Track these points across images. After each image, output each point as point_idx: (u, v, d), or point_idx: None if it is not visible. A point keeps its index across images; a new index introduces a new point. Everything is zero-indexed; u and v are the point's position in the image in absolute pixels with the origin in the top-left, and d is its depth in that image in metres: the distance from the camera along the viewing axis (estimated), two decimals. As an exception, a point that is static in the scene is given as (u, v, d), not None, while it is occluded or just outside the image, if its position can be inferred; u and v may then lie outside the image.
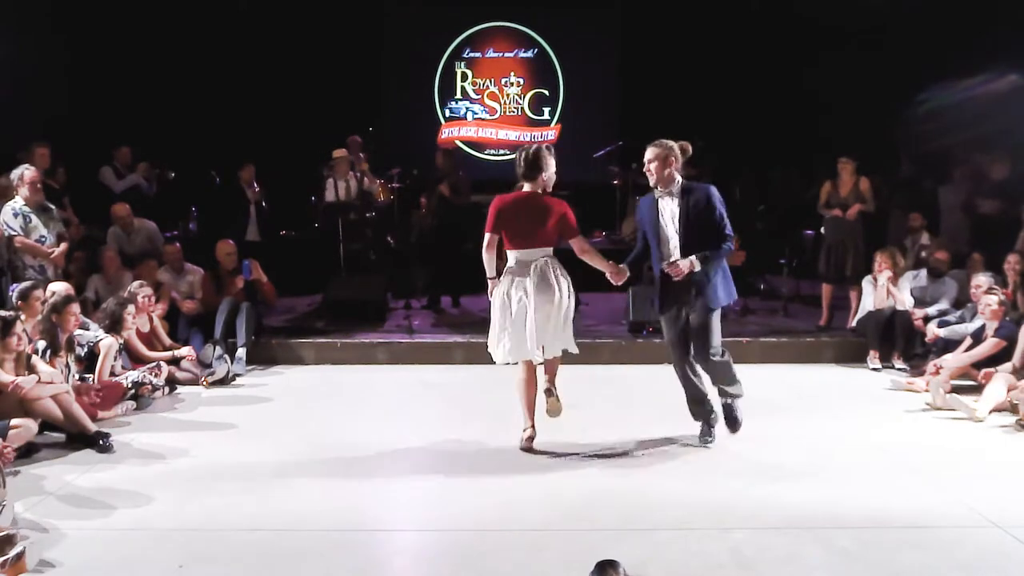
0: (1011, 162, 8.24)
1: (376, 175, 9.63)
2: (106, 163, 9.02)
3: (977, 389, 5.94)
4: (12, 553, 3.30)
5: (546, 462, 4.71)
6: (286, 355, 7.39)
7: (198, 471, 4.61)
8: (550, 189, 4.90)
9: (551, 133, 12.67)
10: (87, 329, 6.00)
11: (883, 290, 7.22)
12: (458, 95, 12.72)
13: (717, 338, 4.84)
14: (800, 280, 9.28)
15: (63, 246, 6.61)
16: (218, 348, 6.84)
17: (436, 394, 6.37)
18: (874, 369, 7.10)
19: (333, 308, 8.28)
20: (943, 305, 7.26)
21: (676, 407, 5.84)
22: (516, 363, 4.88)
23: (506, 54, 12.71)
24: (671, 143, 4.83)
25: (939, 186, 8.99)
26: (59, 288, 5.93)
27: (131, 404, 5.84)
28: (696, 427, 5.15)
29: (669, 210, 4.77)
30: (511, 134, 12.63)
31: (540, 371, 4.94)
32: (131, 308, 6.31)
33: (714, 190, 4.77)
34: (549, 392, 4.93)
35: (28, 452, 4.76)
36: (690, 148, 4.92)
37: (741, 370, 7.12)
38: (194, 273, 7.69)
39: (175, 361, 6.60)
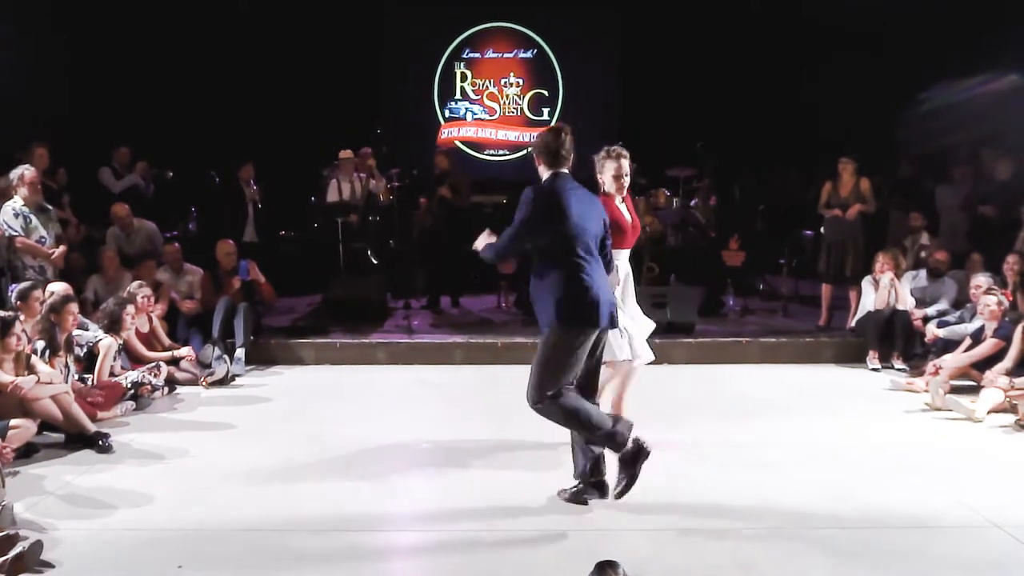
0: (1014, 162, 8.25)
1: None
2: (105, 164, 9.02)
3: (977, 390, 5.94)
4: (12, 553, 3.30)
5: (546, 462, 4.69)
6: (286, 355, 7.39)
7: (198, 471, 4.61)
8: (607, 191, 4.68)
9: (551, 134, 12.66)
10: (86, 329, 6.00)
11: (885, 291, 7.22)
12: (458, 95, 12.74)
13: (544, 375, 3.83)
14: (800, 280, 9.28)
15: (62, 248, 6.61)
16: (217, 348, 6.84)
17: (436, 394, 6.37)
18: (873, 369, 7.10)
19: (333, 308, 8.28)
20: (942, 305, 7.27)
21: (675, 407, 5.86)
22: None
23: (506, 54, 12.72)
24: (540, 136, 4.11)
25: (937, 185, 8.98)
26: (58, 288, 5.93)
27: (130, 404, 5.84)
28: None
29: None
30: (510, 134, 12.65)
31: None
32: (130, 308, 6.31)
33: (529, 189, 3.91)
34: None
35: (27, 452, 4.75)
36: (555, 135, 4.00)
37: (741, 370, 7.13)
38: (193, 273, 7.68)
39: (174, 361, 6.60)
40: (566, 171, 3.98)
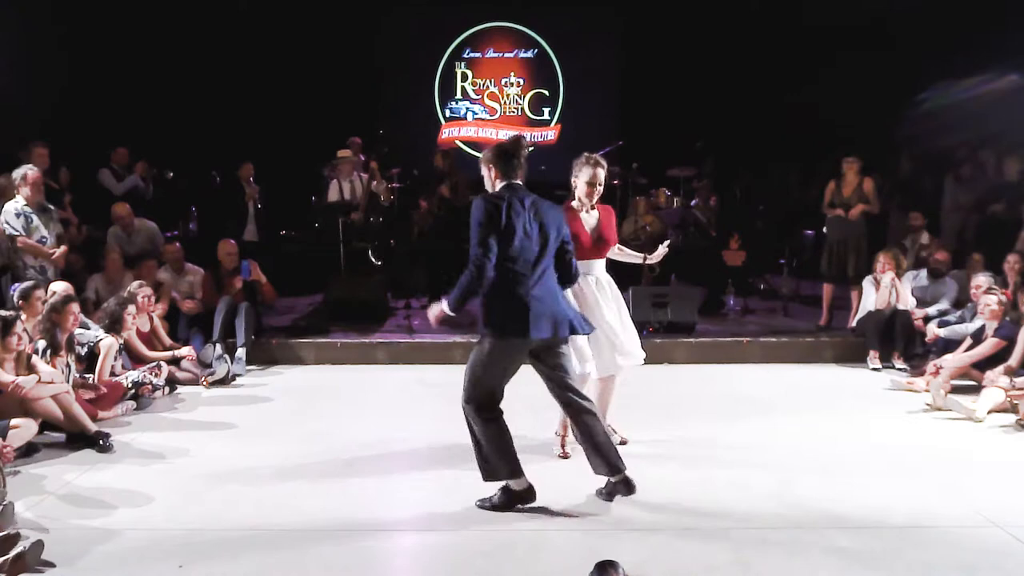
0: (1021, 160, 8.25)
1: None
2: (104, 165, 9.01)
3: (977, 389, 5.95)
4: (13, 553, 3.31)
5: (546, 462, 4.70)
6: (286, 355, 7.39)
7: (198, 471, 4.61)
8: (578, 199, 4.70)
9: (551, 133, 12.68)
10: (87, 329, 6.00)
11: (886, 291, 7.21)
12: (458, 95, 12.74)
13: (474, 378, 3.88)
14: (800, 280, 9.28)
15: (63, 248, 6.62)
16: (218, 348, 6.85)
17: (436, 394, 6.36)
18: (874, 369, 7.10)
19: (334, 308, 8.28)
20: (943, 305, 7.28)
21: (675, 407, 5.87)
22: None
23: (506, 54, 12.72)
24: (495, 146, 4.08)
25: (947, 183, 8.94)
26: (59, 288, 5.94)
27: (131, 404, 5.84)
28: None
29: None
30: (511, 134, 12.62)
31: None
32: (131, 308, 6.30)
33: (478, 202, 3.81)
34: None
35: (28, 452, 4.76)
36: (514, 144, 4.01)
37: (741, 370, 7.14)
38: (194, 273, 7.69)
39: (175, 361, 6.61)
40: (519, 182, 3.92)
